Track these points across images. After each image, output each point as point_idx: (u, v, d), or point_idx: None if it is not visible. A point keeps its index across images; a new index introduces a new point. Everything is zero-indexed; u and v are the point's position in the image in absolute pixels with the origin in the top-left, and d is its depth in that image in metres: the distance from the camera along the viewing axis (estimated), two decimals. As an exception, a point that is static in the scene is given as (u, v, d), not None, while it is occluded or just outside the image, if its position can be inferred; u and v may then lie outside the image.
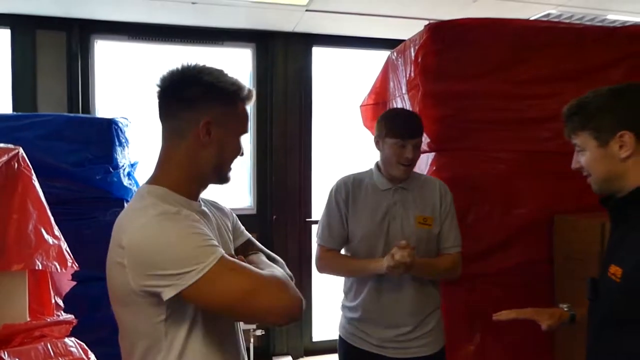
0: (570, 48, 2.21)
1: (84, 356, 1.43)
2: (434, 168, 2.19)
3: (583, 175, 1.29)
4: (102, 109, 3.68)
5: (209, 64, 1.12)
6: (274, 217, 3.82)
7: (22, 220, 1.40)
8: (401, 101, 2.46)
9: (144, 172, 2.82)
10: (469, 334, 2.23)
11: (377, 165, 1.87)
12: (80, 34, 3.57)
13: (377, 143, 1.82)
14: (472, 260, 2.21)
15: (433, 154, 2.22)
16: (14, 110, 3.42)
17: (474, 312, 2.22)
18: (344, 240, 1.84)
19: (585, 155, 1.22)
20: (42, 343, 1.35)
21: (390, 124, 1.75)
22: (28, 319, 1.41)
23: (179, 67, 1.09)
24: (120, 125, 2.38)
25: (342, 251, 1.88)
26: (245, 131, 1.15)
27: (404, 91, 2.42)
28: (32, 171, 1.47)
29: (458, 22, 2.16)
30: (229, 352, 1.14)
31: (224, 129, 1.09)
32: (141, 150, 2.85)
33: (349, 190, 1.81)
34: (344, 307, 1.93)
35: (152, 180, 1.10)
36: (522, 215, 2.22)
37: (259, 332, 3.89)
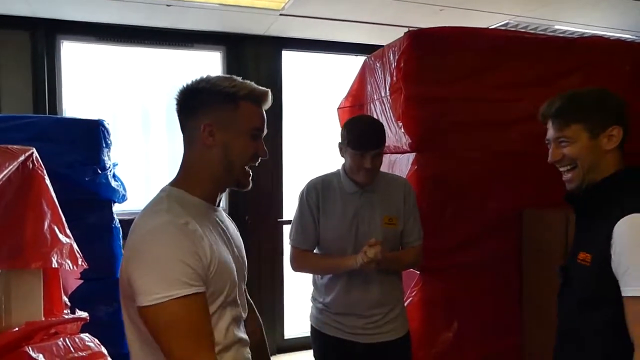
0: (535, 56, 2.42)
1: (102, 350, 1.46)
2: (415, 167, 2.34)
3: (556, 170, 1.41)
4: (70, 109, 3.60)
5: (221, 75, 1.18)
6: (247, 217, 3.87)
7: (38, 220, 1.42)
8: (380, 104, 2.60)
9: (124, 173, 2.82)
10: (446, 321, 2.39)
11: (343, 167, 1.93)
12: (46, 34, 3.48)
13: (340, 149, 1.89)
14: (449, 252, 2.38)
15: (414, 154, 2.36)
16: (-25, 110, 3.30)
17: (451, 300, 2.39)
18: (316, 241, 1.92)
19: (575, 146, 1.33)
20: (61, 339, 1.37)
21: (350, 135, 1.81)
22: (42, 317, 1.43)
23: (188, 82, 1.17)
24: (106, 126, 2.37)
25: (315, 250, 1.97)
26: (254, 129, 1.17)
27: (382, 94, 2.56)
28: (45, 171, 1.49)
29: (436, 30, 2.32)
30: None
31: (227, 129, 1.14)
32: (116, 151, 2.84)
33: (319, 194, 1.88)
34: (314, 299, 2.01)
35: (174, 183, 1.18)
36: (495, 210, 2.41)
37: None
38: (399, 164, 2.50)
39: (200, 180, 1.16)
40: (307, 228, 1.90)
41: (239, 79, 1.17)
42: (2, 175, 1.29)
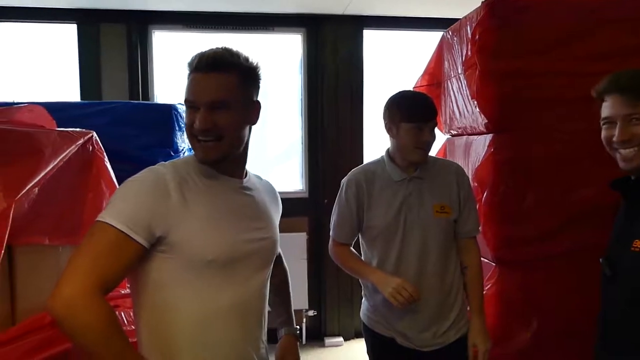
0: (634, 22, 2.08)
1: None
2: (492, 150, 2.14)
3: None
4: (161, 95, 3.83)
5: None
6: (326, 200, 3.86)
7: (97, 199, 1.51)
8: (457, 81, 2.42)
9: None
10: (525, 319, 2.18)
11: (388, 154, 1.80)
12: (139, 25, 3.73)
13: (389, 130, 1.74)
14: (530, 243, 2.16)
15: (491, 135, 2.16)
16: (81, 97, 3.64)
17: (531, 296, 2.17)
18: (355, 234, 1.82)
19: None
20: (118, 312, 1.45)
21: (405, 109, 1.69)
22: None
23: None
24: (179, 110, 2.47)
25: (362, 248, 1.87)
26: (186, 100, 1.13)
27: (459, 71, 2.37)
28: (105, 153, 1.57)
29: (517, -2, 2.09)
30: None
31: None
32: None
33: (361, 185, 1.76)
34: (366, 295, 1.88)
35: None
36: (585, 198, 2.13)
37: (311, 313, 3.98)
38: (475, 146, 2.31)
39: None
40: (344, 222, 1.80)
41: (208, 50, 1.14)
42: (61, 156, 1.37)
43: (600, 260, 1.34)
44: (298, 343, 1.43)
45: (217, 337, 1.13)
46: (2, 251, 1.15)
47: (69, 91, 3.69)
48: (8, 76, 3.73)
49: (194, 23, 3.80)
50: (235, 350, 1.16)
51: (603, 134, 1.32)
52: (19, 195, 1.21)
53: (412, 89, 1.87)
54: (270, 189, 1.36)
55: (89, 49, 3.68)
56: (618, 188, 1.34)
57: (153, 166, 1.14)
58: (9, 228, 1.17)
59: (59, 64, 3.76)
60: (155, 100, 3.78)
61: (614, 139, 1.26)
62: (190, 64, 1.12)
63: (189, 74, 1.12)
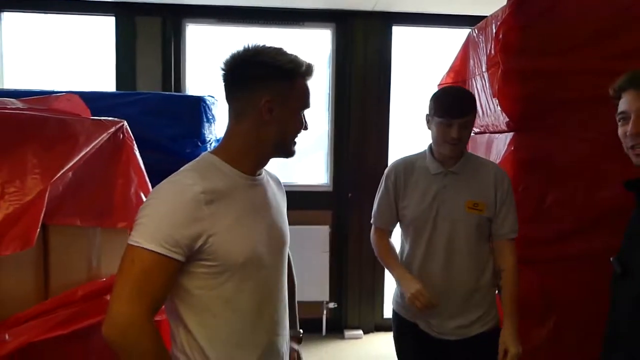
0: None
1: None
2: (512, 148, 2.14)
3: None
4: (192, 87, 3.95)
5: (269, 44, 1.15)
6: (350, 194, 3.91)
7: (126, 185, 1.60)
8: (481, 79, 2.42)
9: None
10: (542, 316, 2.19)
11: (430, 147, 1.86)
12: (173, 18, 3.84)
13: (427, 122, 1.81)
14: (548, 243, 2.16)
15: (512, 133, 2.17)
16: (116, 87, 3.78)
17: (548, 295, 2.17)
18: (393, 221, 1.90)
19: None
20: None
21: (437, 103, 1.74)
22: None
23: (240, 50, 1.14)
24: (207, 102, 2.56)
25: (397, 229, 1.94)
26: (306, 106, 1.19)
27: (484, 69, 2.37)
28: (134, 142, 1.66)
29: (545, -5, 2.08)
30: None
31: (285, 106, 1.14)
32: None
33: (399, 175, 1.84)
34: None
35: (214, 151, 1.20)
36: (607, 200, 2.11)
37: (331, 305, 4.04)
38: (496, 144, 2.31)
39: (245, 154, 1.16)
40: (383, 208, 1.89)
41: (290, 52, 1.15)
42: (94, 143, 1.46)
43: (611, 259, 1.34)
44: (301, 344, 1.48)
45: (248, 332, 1.16)
46: (38, 229, 1.25)
47: (105, 81, 3.85)
48: (49, 65, 3.91)
49: (227, 17, 3.89)
50: (266, 340, 1.20)
51: (619, 130, 1.31)
52: (54, 179, 1.31)
53: (453, 86, 1.89)
54: (275, 178, 1.38)
55: (126, 40, 3.81)
56: (632, 188, 1.32)
57: (175, 178, 1.12)
58: (44, 208, 1.26)
59: (96, 55, 3.92)
60: (186, 92, 3.89)
61: (627, 132, 1.25)
62: (299, 69, 1.14)
63: (305, 82, 1.17)
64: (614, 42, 2.06)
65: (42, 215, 1.26)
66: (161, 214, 1.04)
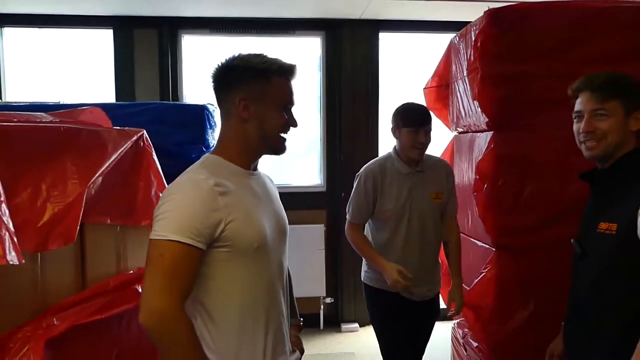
0: (626, 29, 2.26)
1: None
2: (492, 146, 2.35)
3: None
4: (189, 96, 4.11)
5: (251, 52, 1.25)
6: (342, 194, 4.09)
7: (147, 187, 1.77)
8: (462, 83, 2.62)
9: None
10: (522, 300, 2.38)
11: (395, 152, 2.25)
12: (169, 30, 4.00)
13: (394, 132, 2.22)
14: (527, 231, 2.36)
15: (491, 132, 2.37)
16: (116, 98, 3.93)
17: (527, 280, 2.36)
18: (368, 217, 2.28)
19: (610, 121, 1.37)
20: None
21: (404, 116, 2.16)
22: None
23: (222, 60, 1.26)
24: (209, 110, 2.73)
25: (372, 225, 2.31)
26: (285, 102, 1.26)
27: (465, 74, 2.58)
28: (152, 148, 1.84)
29: (516, 7, 2.28)
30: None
31: (261, 103, 1.22)
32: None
33: (377, 178, 2.20)
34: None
35: (213, 151, 1.30)
36: (577, 191, 2.31)
37: (328, 300, 4.21)
38: (478, 142, 2.52)
39: (239, 151, 1.26)
40: (363, 208, 2.24)
41: (269, 55, 1.25)
42: (120, 151, 1.64)
43: (572, 240, 1.52)
44: (301, 331, 1.58)
45: (261, 313, 1.24)
46: (78, 227, 1.42)
47: (105, 92, 4.00)
48: (49, 78, 4.04)
49: (221, 28, 4.06)
50: (276, 321, 1.29)
51: (574, 127, 1.48)
52: (90, 182, 1.48)
53: (411, 102, 2.26)
54: (267, 175, 1.45)
55: (124, 52, 3.97)
56: (586, 179, 1.52)
57: (187, 175, 1.20)
58: (82, 208, 1.44)
59: (96, 67, 4.06)
60: (184, 100, 4.06)
61: (580, 130, 1.43)
62: (272, 67, 1.22)
63: (285, 80, 1.26)
64: (578, 49, 2.28)
65: (81, 214, 1.43)
66: (182, 207, 1.11)
